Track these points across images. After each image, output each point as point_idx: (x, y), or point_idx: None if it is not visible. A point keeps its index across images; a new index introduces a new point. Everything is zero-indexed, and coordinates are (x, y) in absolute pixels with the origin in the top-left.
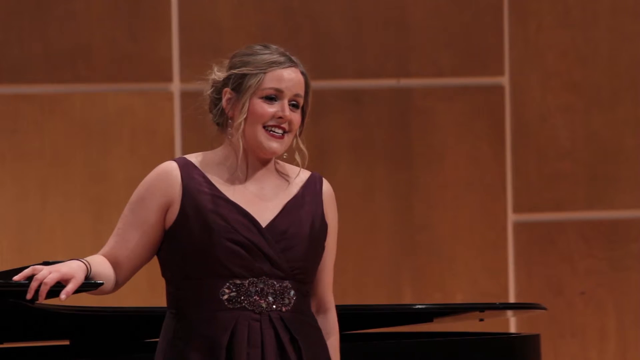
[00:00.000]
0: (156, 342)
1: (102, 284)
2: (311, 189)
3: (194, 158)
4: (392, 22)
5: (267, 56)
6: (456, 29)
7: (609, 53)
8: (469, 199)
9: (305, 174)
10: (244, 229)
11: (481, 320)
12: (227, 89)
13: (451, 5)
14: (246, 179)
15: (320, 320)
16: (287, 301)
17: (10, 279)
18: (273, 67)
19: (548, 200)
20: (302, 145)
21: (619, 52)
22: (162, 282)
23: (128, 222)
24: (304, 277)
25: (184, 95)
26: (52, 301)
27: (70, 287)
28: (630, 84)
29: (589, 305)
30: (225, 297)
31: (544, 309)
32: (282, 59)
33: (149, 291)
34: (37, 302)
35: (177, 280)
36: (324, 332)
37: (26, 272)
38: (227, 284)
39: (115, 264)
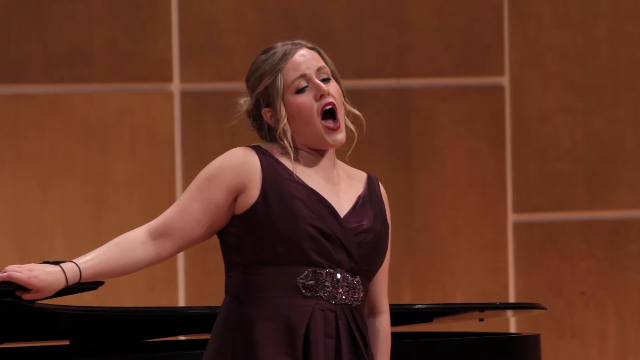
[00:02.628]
0: (156, 342)
1: (102, 283)
2: (373, 188)
3: (265, 146)
4: (392, 22)
5: (273, 57)
6: (456, 29)
7: (609, 53)
8: (469, 199)
9: (362, 173)
10: (326, 218)
11: (481, 320)
12: (264, 109)
13: (451, 5)
14: (313, 171)
15: (371, 323)
16: (357, 296)
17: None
18: (284, 60)
19: (548, 200)
20: (352, 109)
21: (619, 52)
22: (161, 282)
23: (192, 197)
24: (371, 274)
25: (184, 95)
26: (52, 301)
27: (26, 296)
28: (630, 84)
29: (589, 305)
30: (303, 284)
31: (544, 309)
32: (286, 47)
33: (148, 291)
34: (37, 302)
35: (250, 265)
36: (372, 334)
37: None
38: (306, 271)
39: (164, 237)
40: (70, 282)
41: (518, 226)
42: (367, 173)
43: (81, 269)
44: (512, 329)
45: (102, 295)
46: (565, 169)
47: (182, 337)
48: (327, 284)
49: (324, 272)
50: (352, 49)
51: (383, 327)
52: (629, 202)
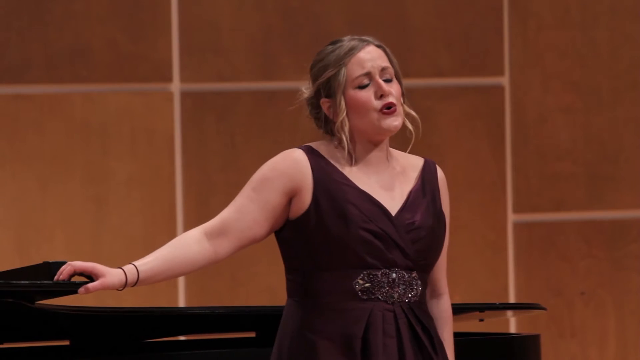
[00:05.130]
0: (156, 342)
1: (83, 282)
2: (429, 177)
3: (317, 146)
4: (392, 22)
5: (339, 50)
6: (456, 29)
7: (609, 53)
8: (468, 199)
9: (418, 161)
10: (377, 219)
11: (481, 320)
12: (323, 99)
13: (451, 5)
14: (367, 168)
15: (433, 304)
16: (415, 292)
17: (11, 279)
18: (349, 55)
19: (548, 201)
20: (411, 111)
21: (619, 52)
22: (161, 283)
23: (249, 198)
24: (429, 267)
25: (184, 95)
26: (52, 301)
27: (94, 284)
28: (630, 84)
29: (589, 305)
30: (359, 288)
31: (544, 309)
32: (353, 43)
33: (149, 291)
34: (38, 301)
35: (307, 270)
36: (438, 315)
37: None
38: (362, 274)
39: (221, 236)
40: (130, 279)
41: (518, 226)
42: (424, 159)
43: (138, 267)
44: (512, 329)
45: (102, 296)
46: (565, 169)
47: (182, 337)
48: (383, 284)
49: (379, 273)
50: None
51: (445, 307)
52: (629, 202)
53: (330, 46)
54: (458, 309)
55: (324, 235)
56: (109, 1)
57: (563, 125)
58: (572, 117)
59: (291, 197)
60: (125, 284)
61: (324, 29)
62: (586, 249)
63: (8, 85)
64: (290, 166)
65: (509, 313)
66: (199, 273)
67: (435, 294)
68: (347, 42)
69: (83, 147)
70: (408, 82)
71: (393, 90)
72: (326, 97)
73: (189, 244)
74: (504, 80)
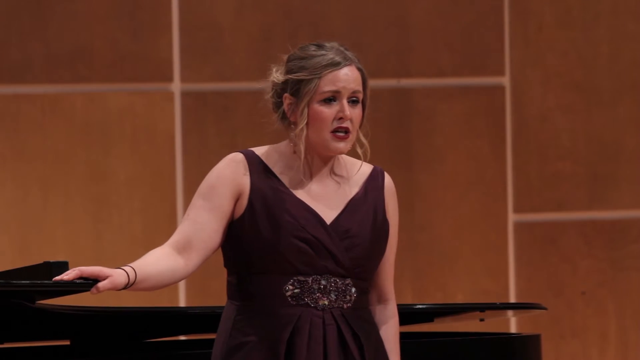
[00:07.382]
0: (156, 342)
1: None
2: (373, 185)
3: (260, 152)
4: (392, 22)
5: (321, 58)
6: (456, 29)
7: (609, 53)
8: (469, 199)
9: (367, 168)
10: (310, 226)
11: (481, 320)
12: (287, 94)
13: (451, 5)
14: (309, 177)
15: (380, 310)
16: (348, 298)
17: (11, 278)
18: (328, 69)
19: (549, 200)
20: (362, 139)
21: (619, 52)
22: None
23: (201, 208)
24: (365, 274)
25: (184, 95)
26: (52, 301)
27: (103, 283)
28: (631, 84)
29: (590, 305)
30: (289, 293)
31: (545, 309)
32: (337, 59)
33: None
34: (38, 301)
35: (241, 273)
36: (383, 320)
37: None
38: (291, 280)
39: (187, 249)
40: (131, 278)
41: (519, 226)
42: (373, 167)
43: (135, 269)
44: (513, 329)
45: (102, 295)
46: (566, 169)
47: (182, 337)
48: (313, 291)
49: (309, 280)
50: (352, 49)
51: (390, 313)
52: (630, 202)
53: (315, 48)
54: (459, 309)
55: (256, 241)
56: (110, 1)
57: (563, 125)
58: (573, 116)
59: (236, 200)
60: (127, 284)
61: (324, 29)
62: (587, 249)
63: (8, 85)
64: (233, 170)
65: (510, 313)
66: (199, 273)
67: (382, 300)
68: (331, 54)
69: (84, 147)
70: (408, 82)
71: (354, 116)
72: (291, 94)
73: (165, 260)
74: (505, 80)
